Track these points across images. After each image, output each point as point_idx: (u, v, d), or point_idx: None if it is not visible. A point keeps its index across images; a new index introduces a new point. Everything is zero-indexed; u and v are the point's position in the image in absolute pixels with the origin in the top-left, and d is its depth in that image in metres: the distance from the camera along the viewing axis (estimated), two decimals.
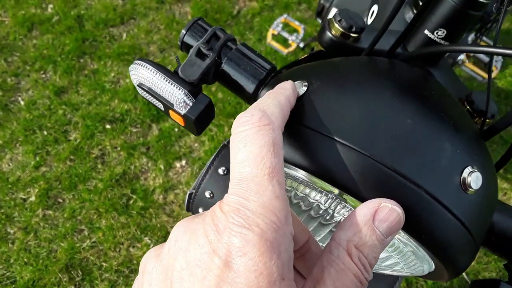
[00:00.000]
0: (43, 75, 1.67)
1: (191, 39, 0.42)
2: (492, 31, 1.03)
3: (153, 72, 0.38)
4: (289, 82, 0.33)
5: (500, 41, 1.80)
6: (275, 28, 1.45)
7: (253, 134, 0.25)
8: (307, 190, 0.35)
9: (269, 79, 0.41)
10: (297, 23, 1.50)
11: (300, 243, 0.32)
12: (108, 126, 1.59)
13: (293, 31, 1.54)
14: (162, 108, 0.41)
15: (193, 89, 0.38)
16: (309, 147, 0.30)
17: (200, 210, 0.56)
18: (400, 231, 0.33)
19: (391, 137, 0.29)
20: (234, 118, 1.44)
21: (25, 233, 1.44)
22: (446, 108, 0.32)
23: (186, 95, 0.37)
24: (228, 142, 0.57)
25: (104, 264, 1.39)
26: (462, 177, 0.29)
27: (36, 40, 1.70)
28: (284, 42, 1.58)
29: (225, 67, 0.41)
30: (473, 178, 0.29)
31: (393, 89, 0.32)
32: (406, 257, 0.37)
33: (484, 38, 1.27)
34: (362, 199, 0.28)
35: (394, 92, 0.32)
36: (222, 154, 0.55)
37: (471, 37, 1.08)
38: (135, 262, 1.39)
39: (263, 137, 0.25)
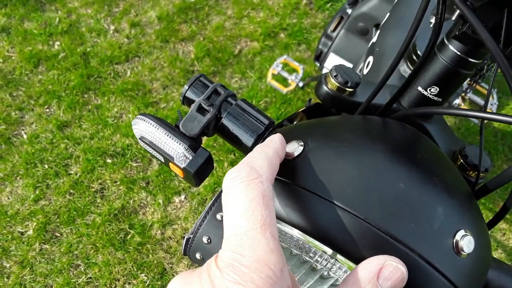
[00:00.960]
0: (47, 110, 1.70)
1: (192, 94, 0.44)
2: (487, 78, 1.06)
3: (155, 127, 0.40)
4: (277, 134, 0.33)
5: (496, 80, 1.84)
6: (275, 68, 1.49)
7: (242, 188, 0.26)
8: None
9: (268, 134, 0.43)
10: (296, 63, 1.55)
11: None
12: (109, 161, 1.61)
13: (292, 71, 1.58)
14: (163, 160, 0.42)
15: (193, 143, 0.40)
16: (304, 207, 0.31)
17: (197, 255, 0.57)
18: None
19: (385, 201, 0.30)
20: (234, 154, 1.44)
21: (21, 267, 1.43)
22: (438, 171, 0.34)
23: (186, 150, 0.39)
24: None
25: None
26: (454, 241, 0.30)
27: (41, 75, 1.75)
28: (284, 81, 1.63)
29: (225, 121, 0.43)
30: (466, 242, 0.30)
31: (387, 153, 0.33)
32: None
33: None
34: (356, 261, 0.29)
35: (388, 155, 0.33)
36: (220, 199, 0.56)
37: (466, 82, 1.11)
38: None
39: (252, 190, 0.25)
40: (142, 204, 1.55)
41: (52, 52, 1.77)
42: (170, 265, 1.45)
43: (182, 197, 1.57)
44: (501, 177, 0.35)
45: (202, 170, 0.40)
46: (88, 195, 1.55)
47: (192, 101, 0.44)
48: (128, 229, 1.49)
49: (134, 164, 1.61)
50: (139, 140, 0.42)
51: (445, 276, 0.30)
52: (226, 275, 0.23)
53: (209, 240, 0.55)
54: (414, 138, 0.39)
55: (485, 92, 1.49)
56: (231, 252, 0.24)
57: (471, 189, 0.37)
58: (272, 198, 0.26)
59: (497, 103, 1.34)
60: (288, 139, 0.36)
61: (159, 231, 1.50)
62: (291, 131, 0.38)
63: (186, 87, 0.44)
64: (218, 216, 0.55)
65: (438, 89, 0.44)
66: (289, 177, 0.33)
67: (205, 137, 1.27)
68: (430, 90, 0.45)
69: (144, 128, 0.41)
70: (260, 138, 0.42)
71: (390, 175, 0.31)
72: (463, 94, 1.35)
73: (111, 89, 1.72)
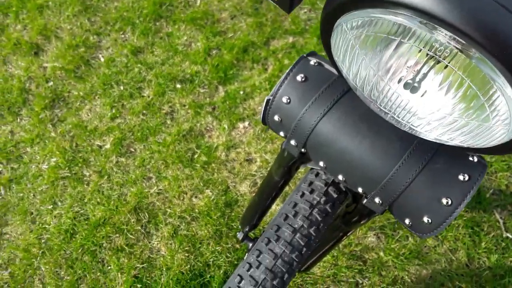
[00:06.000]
0: (122, 35, 1.79)
1: None
2: None
3: None
4: None
5: None
6: None
7: None
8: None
9: None
10: None
11: None
12: (178, 86, 1.69)
13: None
14: None
15: None
16: None
17: (276, 117, 0.60)
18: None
19: None
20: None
21: (99, 176, 1.58)
22: None
23: None
24: (308, 54, 0.61)
25: (168, 210, 1.50)
26: None
27: (117, 2, 1.83)
28: None
29: None
30: None
31: None
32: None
33: None
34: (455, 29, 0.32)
35: None
36: (301, 63, 0.59)
37: None
38: (196, 210, 1.49)
39: None
40: (208, 128, 1.64)
41: None
42: (233, 184, 1.54)
43: (246, 123, 1.63)
44: None
45: None
46: (159, 116, 1.65)
47: None
48: (195, 149, 1.59)
49: (202, 90, 1.69)
50: None
51: None
52: None
53: (288, 100, 0.59)
54: None
55: None
56: None
57: None
58: None
59: None
60: None
61: (223, 153, 1.59)
62: None
63: None
64: (299, 78, 0.59)
65: None
66: None
67: None
68: None
69: None
70: None
71: None
72: None
73: (181, 18, 1.78)
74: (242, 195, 1.52)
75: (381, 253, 1.42)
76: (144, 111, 1.66)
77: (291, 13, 1.79)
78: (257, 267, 0.59)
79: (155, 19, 1.80)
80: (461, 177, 0.51)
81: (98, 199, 1.54)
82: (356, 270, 1.40)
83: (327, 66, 0.58)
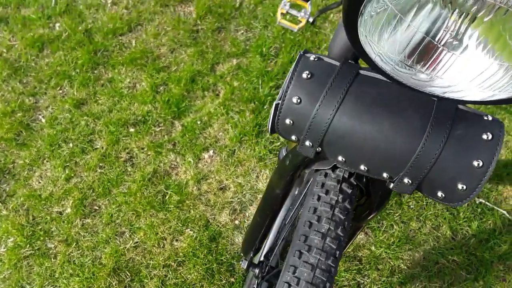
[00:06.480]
0: (60, 91, 1.69)
1: None
2: None
3: None
4: None
5: None
6: (283, 7, 1.48)
7: None
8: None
9: None
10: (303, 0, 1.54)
11: None
12: (132, 130, 1.61)
13: (300, 8, 1.57)
14: None
15: None
16: None
17: (287, 120, 0.57)
18: None
19: None
20: (254, 103, 1.45)
21: (66, 245, 1.44)
22: None
23: None
24: (305, 52, 0.58)
25: (151, 261, 1.39)
26: None
27: (48, 58, 1.73)
28: (294, 20, 1.62)
29: None
30: None
31: None
32: None
33: None
34: None
35: None
36: (303, 61, 0.57)
37: None
38: (181, 254, 1.39)
39: None
40: (172, 166, 1.56)
41: (54, 34, 1.75)
42: (213, 216, 1.46)
43: (211, 152, 1.57)
44: None
45: None
46: (118, 165, 1.55)
47: None
48: (165, 190, 1.50)
49: (157, 129, 1.61)
50: None
51: None
52: None
53: (299, 100, 0.56)
54: None
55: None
56: None
57: None
58: None
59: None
60: None
61: (195, 187, 1.51)
62: None
63: None
64: (304, 75, 0.56)
65: None
66: None
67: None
68: None
69: None
70: None
71: None
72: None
73: (119, 61, 1.71)
74: (224, 225, 1.45)
75: (373, 248, 1.40)
76: (101, 164, 1.56)
77: (229, 37, 1.77)
78: (297, 284, 0.55)
79: (92, 68, 1.71)
80: (484, 137, 0.51)
81: (71, 271, 1.40)
82: (354, 271, 1.36)
83: (326, 59, 0.58)
